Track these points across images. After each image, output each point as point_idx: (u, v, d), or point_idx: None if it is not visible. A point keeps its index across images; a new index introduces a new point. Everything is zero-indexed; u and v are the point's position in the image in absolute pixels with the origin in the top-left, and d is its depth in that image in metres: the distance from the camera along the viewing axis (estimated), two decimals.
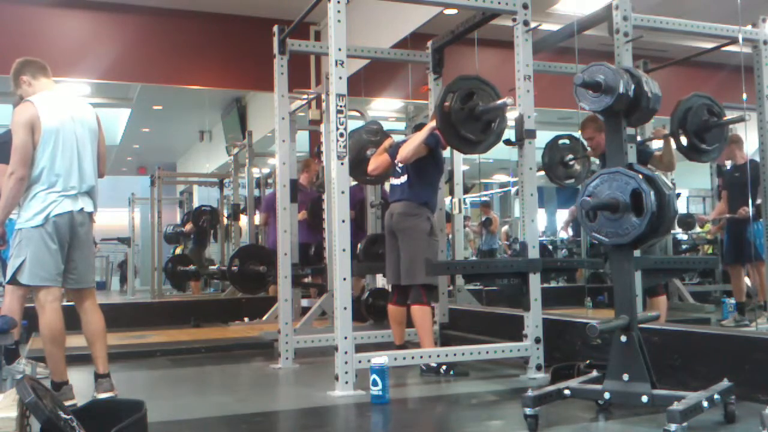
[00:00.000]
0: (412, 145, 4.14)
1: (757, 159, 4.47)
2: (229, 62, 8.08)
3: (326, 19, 3.65)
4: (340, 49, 3.57)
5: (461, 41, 4.82)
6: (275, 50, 4.55)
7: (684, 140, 4.09)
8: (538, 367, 3.85)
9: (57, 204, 3.32)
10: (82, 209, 3.41)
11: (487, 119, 3.93)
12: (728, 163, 5.64)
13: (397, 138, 4.87)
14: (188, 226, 9.32)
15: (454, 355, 3.86)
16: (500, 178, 10.52)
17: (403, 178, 4.26)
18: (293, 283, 4.72)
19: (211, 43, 7.98)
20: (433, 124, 4.05)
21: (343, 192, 3.55)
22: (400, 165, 4.26)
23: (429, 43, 4.99)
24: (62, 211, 3.33)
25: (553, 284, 7.64)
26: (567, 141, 5.17)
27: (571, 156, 5.10)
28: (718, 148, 4.17)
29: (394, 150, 4.34)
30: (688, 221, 7.11)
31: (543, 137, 5.14)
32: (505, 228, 9.97)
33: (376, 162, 4.50)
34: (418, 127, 6.26)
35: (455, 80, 4.01)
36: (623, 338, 2.72)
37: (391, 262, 4.32)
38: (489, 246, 9.26)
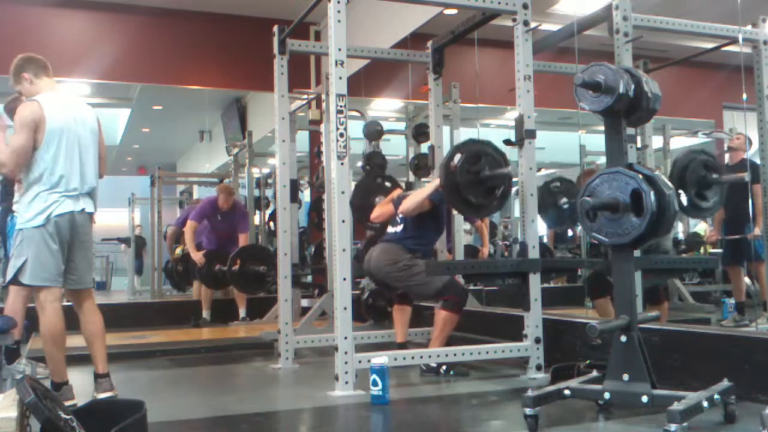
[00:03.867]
0: (416, 199, 4.14)
1: (755, 159, 4.47)
2: (229, 62, 8.08)
3: (326, 19, 3.65)
4: (340, 49, 3.57)
5: (461, 41, 4.82)
6: (275, 50, 4.55)
7: (684, 198, 4.02)
8: (538, 367, 3.85)
9: (59, 204, 3.32)
10: (83, 210, 3.42)
11: (492, 185, 3.90)
12: (726, 157, 5.62)
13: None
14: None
15: (454, 355, 3.86)
16: None
17: (399, 228, 4.27)
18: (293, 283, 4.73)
19: (211, 43, 7.98)
20: (438, 181, 4.02)
21: (343, 192, 3.55)
22: (400, 216, 4.27)
23: (429, 43, 4.99)
24: (64, 212, 3.33)
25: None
26: (558, 184, 5.18)
27: (564, 199, 5.09)
28: (718, 202, 4.14)
29: (399, 201, 4.35)
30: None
31: (543, 137, 5.14)
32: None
33: (380, 211, 4.53)
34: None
35: (465, 141, 4.01)
36: (623, 338, 2.72)
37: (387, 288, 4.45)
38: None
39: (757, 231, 4.73)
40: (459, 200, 3.89)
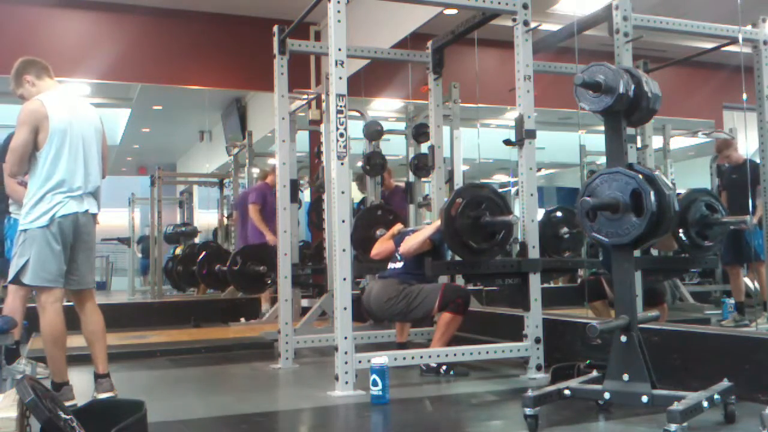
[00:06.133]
0: (417, 239, 4.16)
1: (755, 159, 4.47)
2: (229, 62, 8.09)
3: (326, 19, 3.65)
4: (340, 49, 3.57)
5: (461, 41, 4.82)
6: (275, 50, 4.56)
7: (684, 237, 4.01)
8: (538, 367, 3.85)
9: (62, 205, 3.32)
10: (87, 211, 3.42)
11: (492, 230, 3.89)
12: (727, 164, 5.63)
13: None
14: None
15: (454, 355, 3.86)
16: (500, 178, 10.52)
17: (399, 265, 4.29)
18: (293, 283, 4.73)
19: (211, 43, 7.99)
20: (439, 222, 4.02)
21: (343, 192, 3.55)
22: (400, 253, 4.28)
23: (429, 43, 4.99)
24: (67, 213, 3.32)
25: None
26: (560, 214, 5.18)
27: (565, 229, 5.09)
28: (720, 241, 4.14)
29: (399, 238, 4.37)
30: None
31: (543, 137, 5.14)
32: None
33: (380, 248, 4.55)
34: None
35: (466, 186, 4.01)
36: (623, 338, 2.73)
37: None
38: None
39: (755, 219, 4.72)
40: (460, 245, 3.88)
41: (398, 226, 4.63)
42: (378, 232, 5.05)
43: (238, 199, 7.89)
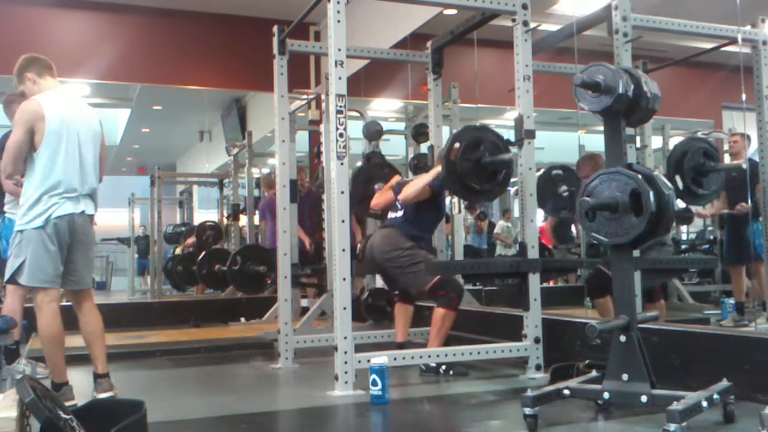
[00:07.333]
0: (415, 186, 4.15)
1: (755, 158, 4.48)
2: (229, 62, 8.09)
3: (326, 20, 3.66)
4: (339, 50, 3.58)
5: (461, 41, 4.82)
6: (275, 50, 4.56)
7: (680, 184, 4.01)
8: (538, 367, 3.85)
9: (58, 206, 3.32)
10: (83, 212, 3.41)
11: (493, 170, 3.91)
12: (727, 158, 5.63)
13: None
14: (190, 240, 9.24)
15: (454, 355, 3.87)
16: None
17: (400, 213, 4.28)
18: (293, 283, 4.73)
19: (211, 43, 7.99)
20: (439, 169, 4.00)
21: (342, 192, 3.55)
22: (399, 201, 4.28)
23: (428, 44, 4.99)
24: (63, 214, 3.32)
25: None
26: (560, 172, 5.15)
27: (564, 187, 5.06)
28: (715, 191, 4.13)
29: (398, 188, 4.36)
30: (686, 216, 7.05)
31: (542, 137, 5.15)
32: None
33: (380, 198, 4.54)
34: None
35: (463, 129, 4.01)
36: (623, 338, 2.73)
37: (387, 279, 4.47)
38: (478, 245, 9.19)
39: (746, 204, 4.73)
40: (461, 188, 3.90)
41: (396, 178, 4.64)
42: (376, 187, 5.01)
43: (265, 204, 7.81)
